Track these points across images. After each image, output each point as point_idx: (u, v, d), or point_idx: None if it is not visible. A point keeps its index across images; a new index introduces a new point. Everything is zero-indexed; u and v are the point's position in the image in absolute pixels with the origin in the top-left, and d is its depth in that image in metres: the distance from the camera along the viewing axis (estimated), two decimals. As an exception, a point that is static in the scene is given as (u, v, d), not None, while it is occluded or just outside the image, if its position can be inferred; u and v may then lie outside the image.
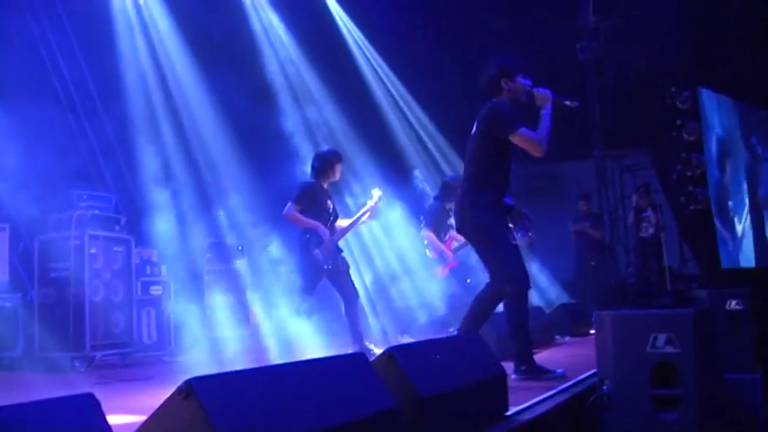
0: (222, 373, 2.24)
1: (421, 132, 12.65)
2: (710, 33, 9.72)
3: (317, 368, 2.63)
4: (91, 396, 1.90)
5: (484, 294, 5.00)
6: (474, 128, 4.99)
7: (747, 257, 9.88)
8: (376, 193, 6.86)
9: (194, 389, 2.02)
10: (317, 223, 6.50)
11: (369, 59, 12.37)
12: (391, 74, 12.40)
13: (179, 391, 2.04)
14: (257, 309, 8.69)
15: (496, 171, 4.90)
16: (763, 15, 9.61)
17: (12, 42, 7.85)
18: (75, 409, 1.88)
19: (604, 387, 3.63)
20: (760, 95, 10.76)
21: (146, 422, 2.11)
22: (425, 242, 8.10)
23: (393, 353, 2.96)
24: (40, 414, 1.81)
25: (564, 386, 4.36)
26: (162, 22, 9.73)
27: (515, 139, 4.71)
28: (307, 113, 10.71)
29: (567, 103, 4.77)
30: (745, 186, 10.61)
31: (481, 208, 4.87)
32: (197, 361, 7.14)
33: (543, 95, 4.81)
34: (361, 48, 12.28)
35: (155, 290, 7.90)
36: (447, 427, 2.99)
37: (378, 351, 4.76)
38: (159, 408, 2.09)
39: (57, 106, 8.54)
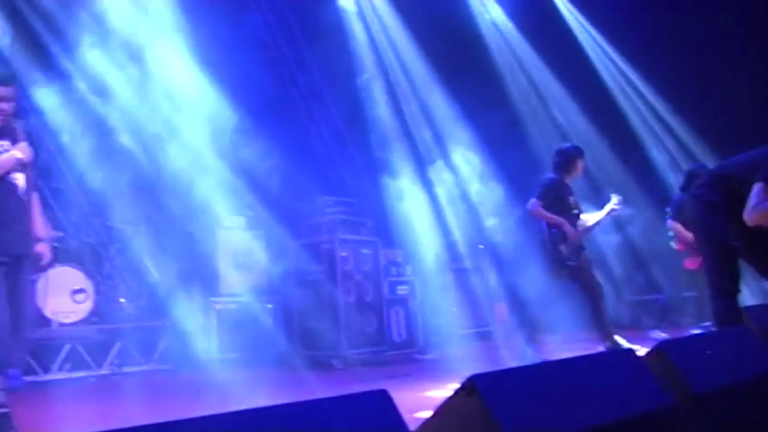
0: (502, 370, 2.27)
1: (655, 127, 12.07)
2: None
3: (588, 365, 2.61)
4: (384, 392, 2.00)
5: None
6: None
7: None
8: (614, 197, 6.76)
9: (477, 385, 2.08)
10: (561, 219, 6.46)
11: (607, 60, 12.00)
12: (630, 70, 11.93)
13: (462, 387, 2.10)
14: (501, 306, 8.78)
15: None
16: None
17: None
18: (370, 404, 1.99)
19: None
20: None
21: (431, 417, 2.19)
22: (670, 233, 7.76)
23: (663, 348, 2.87)
24: (338, 409, 1.94)
25: None
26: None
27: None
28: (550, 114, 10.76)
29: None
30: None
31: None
32: (449, 358, 7.27)
33: None
34: (599, 49, 11.95)
35: (401, 290, 8.09)
36: (724, 426, 2.86)
37: (628, 346, 4.63)
38: (443, 404, 2.16)
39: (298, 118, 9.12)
